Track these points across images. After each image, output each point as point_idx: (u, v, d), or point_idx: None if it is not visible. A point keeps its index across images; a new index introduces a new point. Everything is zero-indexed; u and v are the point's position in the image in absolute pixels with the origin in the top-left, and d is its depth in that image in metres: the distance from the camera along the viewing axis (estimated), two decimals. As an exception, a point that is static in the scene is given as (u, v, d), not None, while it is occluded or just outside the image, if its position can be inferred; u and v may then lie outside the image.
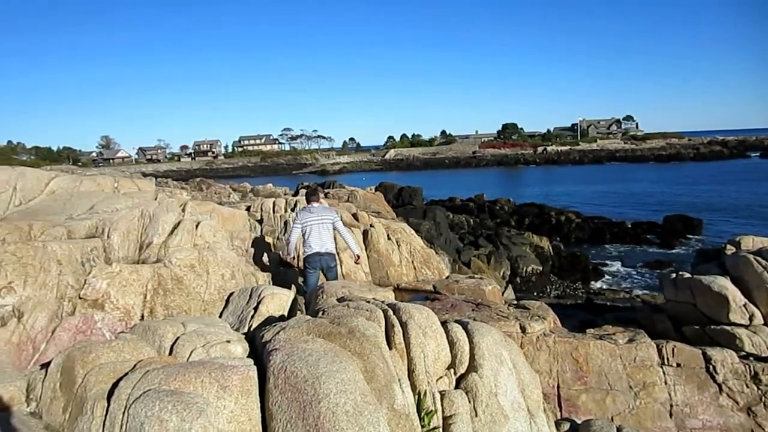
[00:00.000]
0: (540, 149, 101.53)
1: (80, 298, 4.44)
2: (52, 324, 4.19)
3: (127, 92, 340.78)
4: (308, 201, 7.09)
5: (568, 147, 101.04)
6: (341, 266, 8.41)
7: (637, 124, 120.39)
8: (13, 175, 6.64)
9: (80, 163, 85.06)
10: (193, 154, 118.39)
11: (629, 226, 27.53)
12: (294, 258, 7.31)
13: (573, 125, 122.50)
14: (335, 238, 7.06)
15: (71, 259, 4.62)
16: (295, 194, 16.80)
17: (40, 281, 4.29)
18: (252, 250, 7.42)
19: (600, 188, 49.63)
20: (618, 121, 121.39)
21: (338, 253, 8.45)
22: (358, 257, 7.44)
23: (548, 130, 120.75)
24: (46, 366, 3.08)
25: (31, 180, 6.76)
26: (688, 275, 7.72)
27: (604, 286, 17.65)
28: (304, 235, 6.77)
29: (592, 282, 18.64)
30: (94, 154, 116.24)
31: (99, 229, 5.40)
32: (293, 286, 7.03)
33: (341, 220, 7.16)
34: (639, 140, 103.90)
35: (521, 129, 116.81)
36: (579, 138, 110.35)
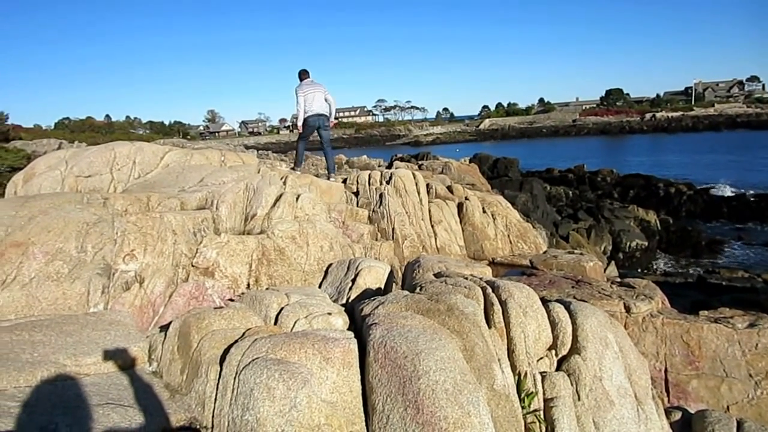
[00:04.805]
0: (648, 116, 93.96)
1: (193, 266, 4.75)
2: (169, 289, 4.52)
3: (230, 67, 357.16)
4: (303, 78, 8.85)
5: (680, 113, 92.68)
6: (435, 239, 8.40)
7: (763, 85, 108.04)
8: (132, 149, 7.19)
9: (189, 137, 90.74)
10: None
11: (751, 199, 25.00)
12: (302, 125, 8.85)
13: (687, 89, 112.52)
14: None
15: (184, 229, 4.95)
16: (389, 166, 16.89)
17: (158, 249, 4.63)
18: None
19: (717, 158, 45.13)
20: (740, 83, 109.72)
21: (433, 226, 8.49)
22: (332, 123, 9.12)
23: (658, 95, 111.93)
24: (165, 329, 3.33)
25: (148, 154, 7.29)
26: (822, 256, 6.90)
27: (720, 265, 16.26)
28: (305, 102, 8.61)
29: (706, 259, 17.27)
30: (201, 128, 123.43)
31: (208, 201, 5.72)
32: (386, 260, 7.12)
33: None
34: (765, 103, 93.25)
35: (627, 94, 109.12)
36: (693, 102, 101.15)
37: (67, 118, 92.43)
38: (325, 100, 8.82)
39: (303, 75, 8.91)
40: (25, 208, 4.69)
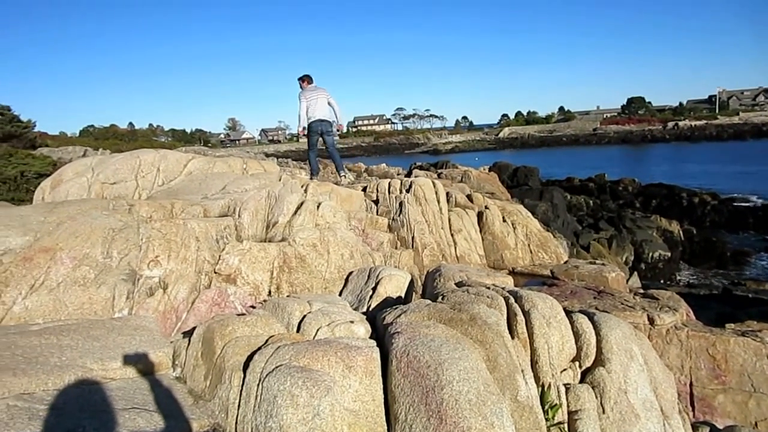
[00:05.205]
0: (670, 124, 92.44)
1: (215, 272, 4.80)
2: (192, 296, 4.57)
3: (250, 75, 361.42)
4: (308, 82, 9.00)
5: (703, 121, 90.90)
6: (455, 248, 8.37)
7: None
8: (157, 157, 7.32)
9: (210, 144, 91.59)
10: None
11: (779, 210, 24.46)
12: (304, 129, 9.01)
13: (710, 97, 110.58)
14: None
15: (207, 236, 5.00)
16: (408, 174, 16.89)
17: (181, 256, 4.69)
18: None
19: (741, 168, 44.13)
20: (766, 91, 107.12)
21: (453, 235, 8.47)
22: (340, 127, 9.52)
23: (680, 104, 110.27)
24: (188, 334, 3.36)
25: (172, 162, 7.40)
26: None
27: (746, 277, 15.91)
28: (308, 108, 8.75)
29: (732, 271, 16.91)
30: (222, 136, 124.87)
31: (231, 209, 5.78)
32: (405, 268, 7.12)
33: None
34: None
35: (649, 103, 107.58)
36: (717, 111, 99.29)
37: (92, 125, 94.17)
38: (328, 104, 8.91)
39: (305, 80, 9.00)
40: (54, 214, 4.79)
